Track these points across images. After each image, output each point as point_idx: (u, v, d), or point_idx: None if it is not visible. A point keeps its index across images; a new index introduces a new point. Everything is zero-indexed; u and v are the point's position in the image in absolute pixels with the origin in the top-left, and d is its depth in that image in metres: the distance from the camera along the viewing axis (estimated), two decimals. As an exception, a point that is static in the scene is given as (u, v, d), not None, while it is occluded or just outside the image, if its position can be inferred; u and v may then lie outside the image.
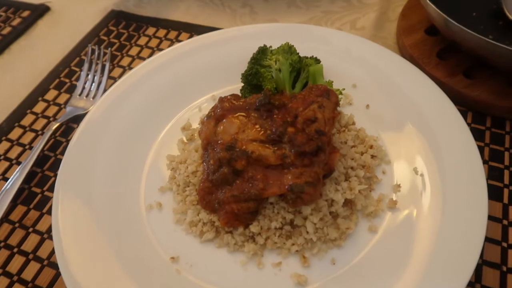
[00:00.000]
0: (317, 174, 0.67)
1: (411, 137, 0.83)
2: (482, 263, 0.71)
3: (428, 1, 0.89)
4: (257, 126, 0.73)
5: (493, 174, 0.81)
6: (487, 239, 0.72)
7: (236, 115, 0.76)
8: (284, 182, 0.68)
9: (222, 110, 0.77)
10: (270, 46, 0.91)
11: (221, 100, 0.79)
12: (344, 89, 0.88)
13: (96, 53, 1.09)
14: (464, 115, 0.84)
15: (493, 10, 1.00)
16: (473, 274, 0.65)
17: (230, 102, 0.77)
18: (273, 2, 1.24)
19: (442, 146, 0.79)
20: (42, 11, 1.32)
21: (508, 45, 0.79)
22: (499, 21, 0.97)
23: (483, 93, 0.88)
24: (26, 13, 1.31)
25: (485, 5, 1.01)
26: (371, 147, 0.81)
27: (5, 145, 0.97)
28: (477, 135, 0.86)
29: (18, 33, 1.25)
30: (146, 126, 0.90)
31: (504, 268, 0.70)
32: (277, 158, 0.70)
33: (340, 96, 0.87)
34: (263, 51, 0.89)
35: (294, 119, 0.72)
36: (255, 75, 0.87)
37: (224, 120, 0.76)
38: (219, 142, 0.74)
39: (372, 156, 0.80)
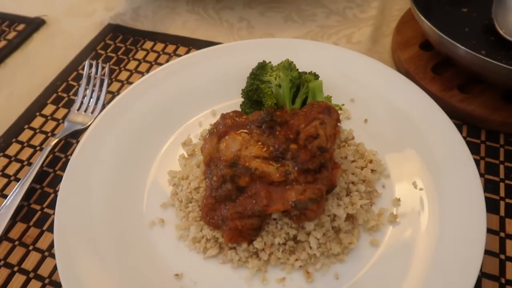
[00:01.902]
0: (320, 190, 0.68)
1: (409, 151, 0.85)
2: (481, 276, 0.72)
3: (423, 18, 0.91)
4: (259, 143, 0.74)
5: (489, 187, 0.83)
6: (486, 252, 0.73)
7: (239, 131, 0.76)
8: (288, 199, 0.69)
9: (224, 127, 0.77)
10: (270, 62, 0.92)
11: (223, 116, 0.79)
12: (343, 104, 0.90)
13: (94, 67, 1.09)
14: (459, 128, 0.86)
15: (485, 26, 1.02)
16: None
17: (232, 119, 0.78)
18: (269, 16, 1.25)
19: (439, 160, 0.80)
20: (37, 24, 1.31)
21: (500, 60, 0.82)
22: (491, 37, 1.00)
23: (478, 108, 0.90)
24: (21, 27, 1.31)
25: (477, 21, 1.04)
26: (370, 161, 0.82)
27: (3, 161, 0.96)
28: (473, 149, 0.87)
29: (14, 46, 1.24)
30: (147, 142, 0.90)
31: (503, 280, 0.72)
32: (280, 175, 0.70)
33: (339, 112, 0.88)
34: (262, 67, 0.91)
35: (296, 135, 0.73)
36: (255, 91, 0.88)
37: (226, 136, 0.77)
38: (222, 158, 0.75)
39: (372, 171, 0.82)
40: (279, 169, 0.71)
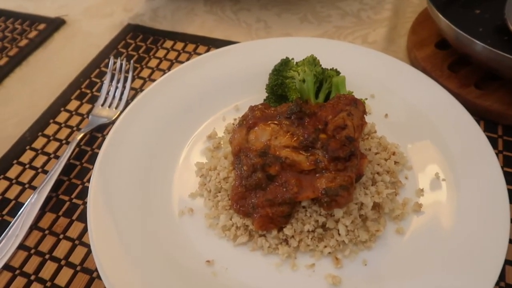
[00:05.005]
0: (350, 178, 0.71)
1: (429, 144, 0.87)
2: (505, 263, 0.74)
3: (441, 16, 0.95)
4: (289, 133, 0.76)
5: (508, 179, 0.85)
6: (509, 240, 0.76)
7: (268, 123, 0.79)
8: (318, 186, 0.71)
9: (253, 118, 0.80)
10: (292, 59, 0.95)
11: (252, 109, 0.82)
12: (366, 98, 0.92)
13: (118, 64, 1.12)
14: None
15: (498, 26, 1.06)
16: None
17: (261, 110, 0.80)
18: (285, 17, 1.29)
19: (460, 152, 0.83)
20: (57, 24, 1.34)
21: (514, 59, 0.85)
22: (504, 36, 1.03)
23: (494, 103, 0.93)
24: (42, 26, 1.34)
25: (490, 22, 1.08)
26: (393, 153, 0.85)
27: (30, 154, 0.98)
28: (490, 143, 0.90)
29: (35, 45, 1.27)
30: (173, 135, 0.93)
31: (526, 267, 0.74)
32: (310, 163, 0.73)
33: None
34: (285, 63, 0.94)
35: (324, 126, 0.76)
36: (280, 85, 0.90)
37: (255, 127, 0.79)
38: (251, 148, 0.77)
39: (395, 162, 0.84)
40: (309, 158, 0.73)
